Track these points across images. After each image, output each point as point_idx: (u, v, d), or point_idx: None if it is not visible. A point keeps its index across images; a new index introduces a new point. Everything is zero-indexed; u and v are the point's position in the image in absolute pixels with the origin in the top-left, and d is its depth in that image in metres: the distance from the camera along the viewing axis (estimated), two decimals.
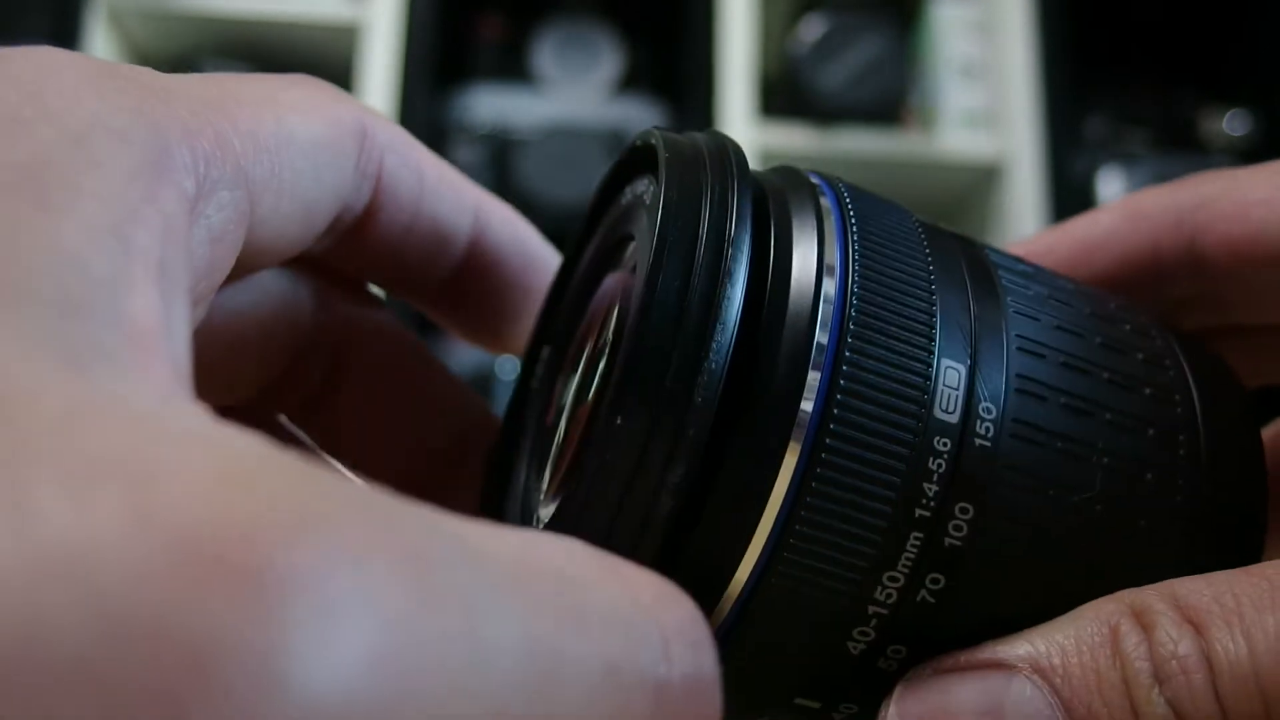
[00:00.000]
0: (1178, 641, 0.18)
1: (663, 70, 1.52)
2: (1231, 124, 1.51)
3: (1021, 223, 1.37)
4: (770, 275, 0.20)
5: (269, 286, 0.25)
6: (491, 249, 0.27)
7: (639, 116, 1.45)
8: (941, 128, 1.43)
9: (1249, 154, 1.49)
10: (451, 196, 0.25)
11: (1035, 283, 0.23)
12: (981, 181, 1.46)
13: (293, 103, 0.21)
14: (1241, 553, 0.22)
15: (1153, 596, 0.19)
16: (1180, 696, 0.18)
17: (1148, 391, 0.22)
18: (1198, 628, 0.18)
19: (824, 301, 0.20)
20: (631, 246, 0.24)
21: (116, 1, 1.38)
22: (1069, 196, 1.38)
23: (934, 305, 0.20)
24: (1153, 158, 1.47)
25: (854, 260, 0.20)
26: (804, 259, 0.20)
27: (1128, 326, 0.23)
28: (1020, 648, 0.19)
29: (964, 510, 0.20)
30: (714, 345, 0.19)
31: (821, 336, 0.19)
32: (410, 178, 0.24)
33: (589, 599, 0.14)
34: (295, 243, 0.22)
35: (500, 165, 1.40)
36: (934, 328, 0.20)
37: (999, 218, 1.43)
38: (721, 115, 1.37)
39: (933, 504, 0.19)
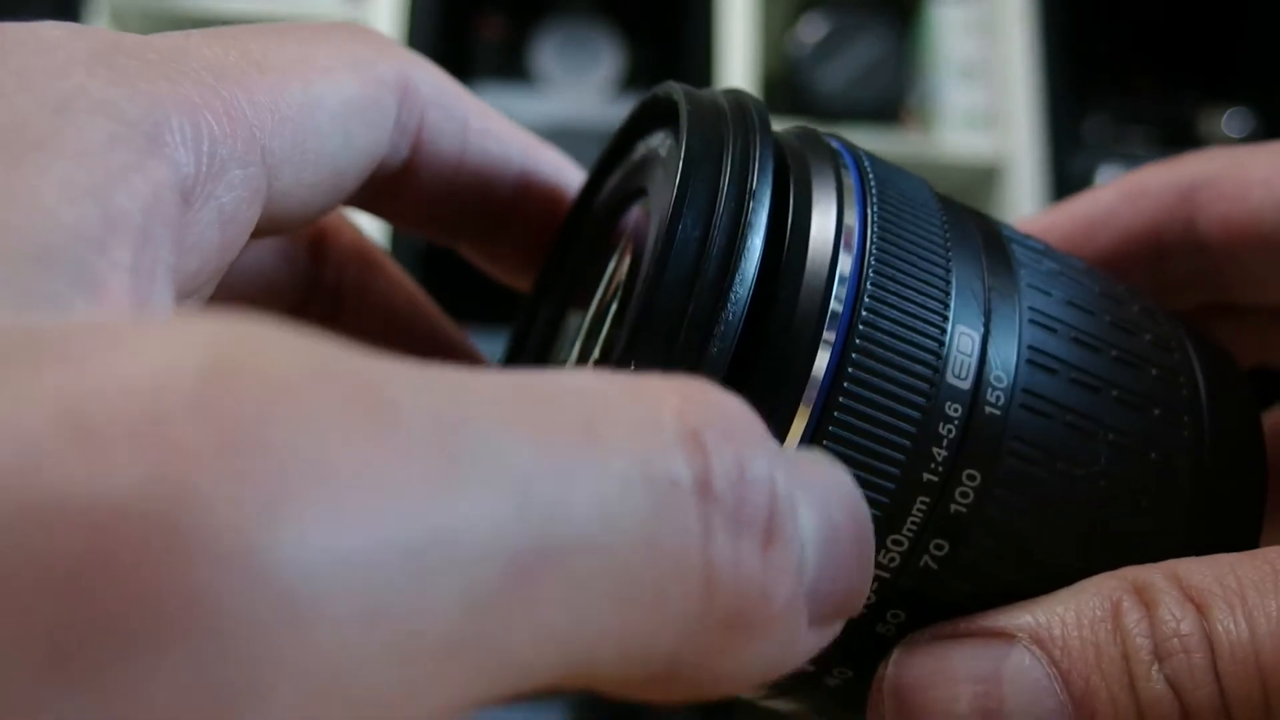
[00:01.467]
0: (1180, 620, 0.18)
1: (663, 70, 1.52)
2: (1231, 124, 1.51)
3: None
4: (789, 234, 0.20)
5: (264, 253, 0.24)
6: (538, 195, 0.26)
7: None
8: (941, 128, 1.43)
9: None
10: (496, 146, 0.25)
11: (1048, 259, 0.23)
12: (981, 181, 1.46)
13: (326, 63, 0.20)
14: (1240, 535, 0.22)
15: (1156, 575, 0.19)
16: (1180, 674, 0.18)
17: (1154, 372, 0.22)
18: (1200, 608, 0.18)
19: (841, 264, 0.20)
20: (642, 200, 0.24)
21: (117, 1, 1.38)
22: (1069, 196, 1.37)
23: (950, 273, 0.20)
24: (1153, 157, 1.46)
25: (872, 224, 0.20)
26: (823, 219, 0.20)
27: (1136, 308, 0.23)
28: (1021, 618, 0.19)
29: (971, 478, 0.19)
30: (731, 297, 0.19)
31: (837, 300, 0.19)
32: (454, 129, 0.23)
33: (595, 411, 0.13)
34: (321, 208, 0.21)
35: None
36: (949, 294, 0.20)
37: (999, 218, 1.42)
38: None
39: (941, 469, 0.19)
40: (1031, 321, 0.21)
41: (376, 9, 1.37)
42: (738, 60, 1.38)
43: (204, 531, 0.10)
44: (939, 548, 0.20)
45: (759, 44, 1.43)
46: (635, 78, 1.51)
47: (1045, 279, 0.22)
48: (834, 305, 0.19)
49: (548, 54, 1.49)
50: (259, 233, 0.19)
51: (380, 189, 0.23)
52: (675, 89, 0.22)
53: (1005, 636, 0.19)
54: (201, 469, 0.10)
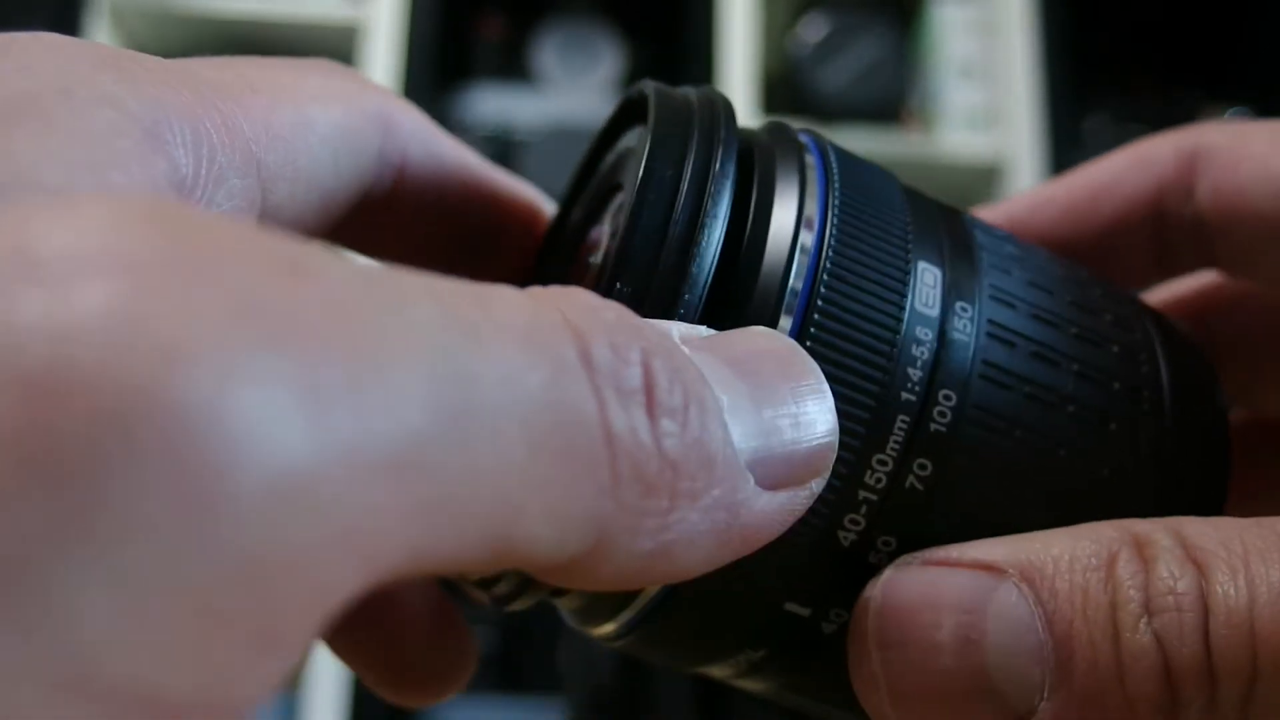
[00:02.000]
0: (1178, 578, 0.18)
1: (663, 70, 1.52)
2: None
3: None
4: (751, 213, 0.21)
5: None
6: (517, 236, 0.27)
7: None
8: (942, 128, 1.43)
9: None
10: (475, 185, 0.26)
11: (1010, 244, 0.24)
12: (982, 181, 1.46)
13: (314, 90, 0.21)
14: (1205, 504, 0.22)
15: (1160, 530, 0.19)
16: (1168, 630, 0.18)
17: (1115, 349, 0.22)
18: (1200, 568, 0.18)
19: (802, 239, 0.20)
20: (617, 197, 0.24)
21: (117, 1, 1.38)
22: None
23: (909, 251, 0.21)
24: None
25: (833, 213, 0.21)
26: (785, 200, 0.21)
27: (1098, 292, 0.24)
28: (1014, 553, 0.19)
29: (947, 397, 0.20)
30: (691, 275, 0.19)
31: (798, 276, 0.20)
32: (434, 165, 0.24)
33: (489, 296, 0.14)
34: (311, 229, 0.22)
35: (501, 164, 1.39)
36: (909, 271, 0.21)
37: None
38: None
39: (917, 389, 0.20)
40: (992, 298, 0.22)
41: (376, 9, 1.37)
42: (738, 60, 1.38)
43: (160, 341, 0.10)
44: (923, 467, 0.20)
45: (759, 44, 1.43)
46: (635, 78, 1.50)
47: (1006, 261, 0.23)
48: (794, 282, 0.20)
49: (548, 54, 1.49)
50: None
51: (365, 220, 0.24)
52: (648, 86, 0.23)
53: (996, 570, 0.19)
54: (155, 293, 0.10)
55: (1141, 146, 0.28)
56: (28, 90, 0.15)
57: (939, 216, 0.23)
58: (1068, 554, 0.19)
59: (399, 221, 0.25)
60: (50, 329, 0.10)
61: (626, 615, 0.21)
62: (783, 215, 0.21)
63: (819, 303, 0.20)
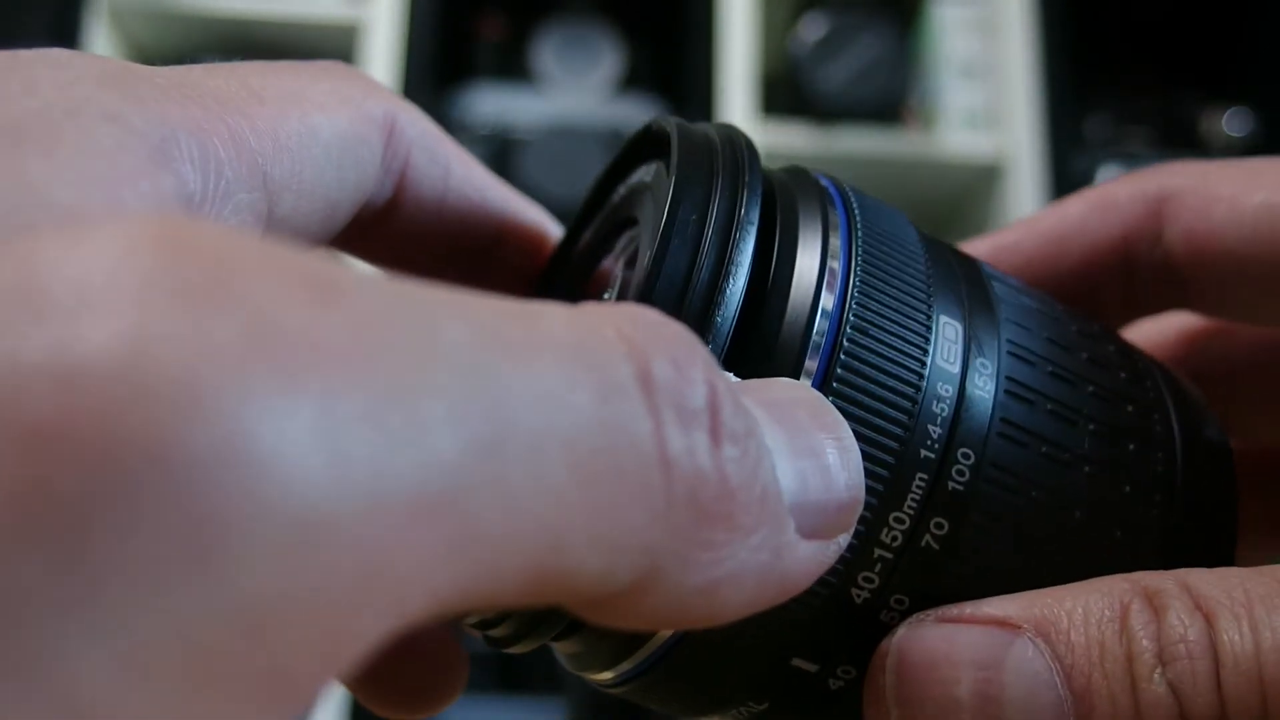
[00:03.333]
0: (1188, 627, 0.18)
1: (663, 70, 1.52)
2: (1232, 123, 1.51)
3: None
4: (774, 265, 0.20)
5: None
6: (517, 244, 0.26)
7: (639, 116, 1.44)
8: (942, 127, 1.43)
9: (1249, 153, 1.48)
10: (477, 195, 0.25)
11: (1026, 296, 0.23)
12: (982, 181, 1.46)
13: (320, 98, 0.20)
14: (1214, 563, 0.22)
15: (1168, 581, 0.19)
16: (1182, 679, 0.18)
17: (1130, 408, 0.22)
18: (1207, 617, 0.18)
19: (824, 300, 0.20)
20: (629, 232, 0.24)
21: (117, 1, 1.38)
22: (1070, 196, 1.37)
23: (931, 306, 0.21)
24: (1153, 157, 1.47)
25: (857, 257, 0.21)
26: (808, 252, 0.21)
27: (1112, 348, 0.24)
28: (1028, 608, 0.19)
29: (965, 456, 0.20)
30: (714, 324, 0.19)
31: (819, 333, 0.20)
32: (436, 173, 0.24)
33: (535, 313, 0.13)
34: (315, 238, 0.21)
35: (501, 164, 1.40)
36: (930, 327, 0.21)
37: (999, 217, 1.43)
38: (722, 115, 1.36)
39: (937, 446, 0.20)
40: (1010, 353, 0.21)
41: (376, 9, 1.37)
42: (738, 60, 1.38)
43: (169, 384, 0.10)
44: (939, 526, 0.20)
45: (759, 44, 1.43)
46: (635, 78, 1.51)
47: (1024, 315, 0.23)
48: (815, 338, 0.20)
49: (548, 54, 1.49)
50: None
51: (365, 228, 0.24)
52: (669, 122, 0.22)
53: (1011, 626, 0.19)
54: (163, 327, 0.10)
55: (1103, 191, 0.28)
56: (35, 110, 0.15)
57: (957, 265, 0.23)
58: (1081, 608, 0.19)
59: (400, 230, 0.24)
60: (54, 371, 0.10)
61: (630, 662, 0.21)
62: (806, 265, 0.20)
63: (842, 355, 0.19)
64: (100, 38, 1.37)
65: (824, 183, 0.23)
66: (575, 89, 1.47)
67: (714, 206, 0.20)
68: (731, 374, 0.18)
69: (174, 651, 0.10)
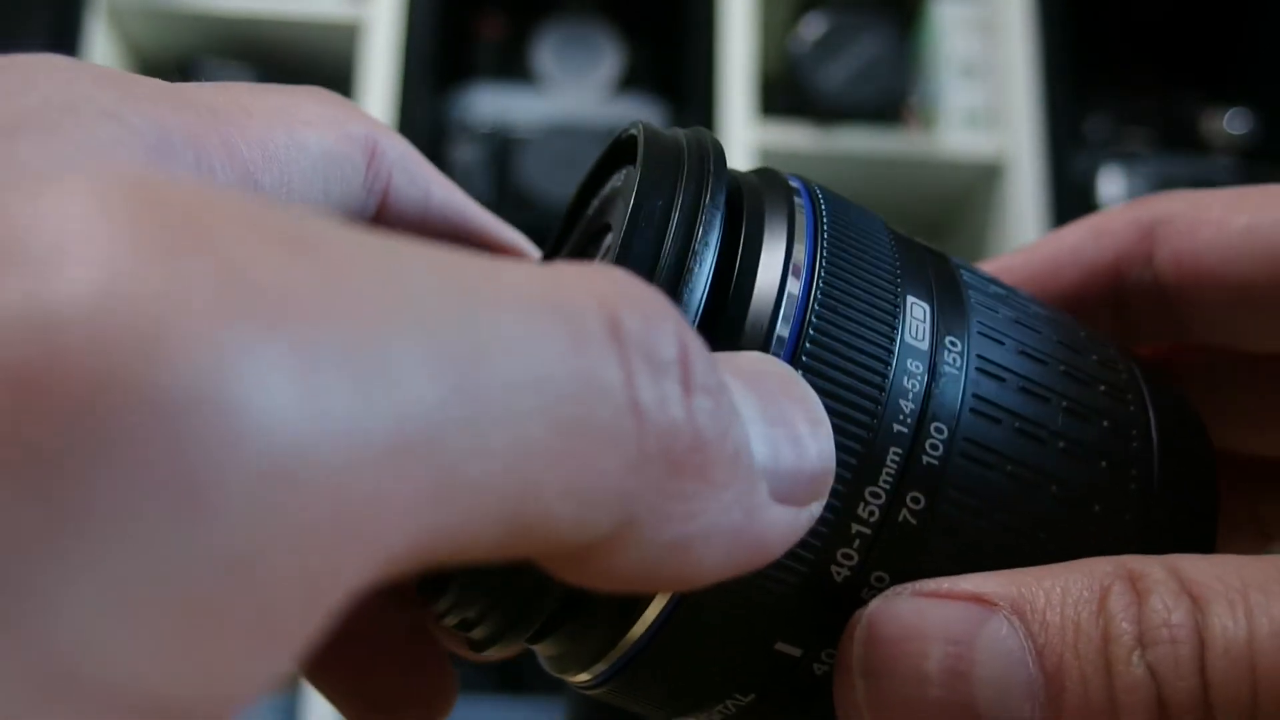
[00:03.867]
0: (1172, 610, 0.18)
1: (663, 70, 1.52)
2: (1232, 123, 1.51)
3: (1022, 222, 1.37)
4: (740, 251, 0.21)
5: None
6: None
7: (639, 116, 1.44)
8: (942, 127, 1.43)
9: (1249, 153, 1.49)
10: (458, 219, 0.25)
11: (995, 284, 0.24)
12: (982, 180, 1.46)
13: (305, 115, 0.21)
14: (1194, 547, 0.22)
15: (1155, 565, 0.19)
16: (1163, 663, 0.18)
17: (1102, 388, 0.22)
18: (1196, 601, 0.18)
19: (789, 286, 0.20)
20: (605, 239, 0.24)
21: (117, 1, 1.38)
22: (1069, 196, 1.38)
23: (899, 292, 0.21)
24: (1153, 157, 1.47)
25: (823, 246, 0.21)
26: (774, 239, 0.21)
27: (1083, 334, 0.24)
28: (1006, 586, 0.19)
29: (938, 430, 0.20)
30: (683, 304, 0.19)
31: (784, 321, 0.20)
32: (416, 195, 0.24)
33: (501, 268, 0.13)
34: None
35: (500, 164, 1.40)
36: (898, 312, 0.21)
37: (999, 217, 1.43)
38: (721, 115, 1.37)
39: (910, 421, 0.20)
40: (980, 334, 0.22)
41: (376, 9, 1.37)
42: (738, 60, 1.38)
43: (145, 331, 0.10)
44: (916, 500, 0.20)
45: (759, 43, 1.43)
46: (635, 77, 1.51)
47: (993, 300, 0.23)
48: (783, 318, 0.20)
49: (548, 53, 1.49)
50: None
51: None
52: (638, 127, 0.22)
53: (987, 603, 0.19)
54: (138, 276, 0.10)
55: (1098, 218, 0.28)
56: (33, 106, 0.15)
57: (926, 256, 0.23)
58: (1060, 587, 0.19)
59: None
60: (29, 317, 0.10)
61: (607, 661, 0.21)
62: (773, 246, 0.21)
63: (810, 332, 0.20)
64: (100, 38, 1.37)
65: (792, 181, 0.23)
66: (575, 89, 1.47)
67: (679, 194, 0.20)
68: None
69: (157, 593, 0.10)
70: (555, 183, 1.35)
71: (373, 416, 0.11)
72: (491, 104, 1.44)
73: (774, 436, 0.16)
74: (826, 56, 1.39)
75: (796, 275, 0.20)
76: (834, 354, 0.20)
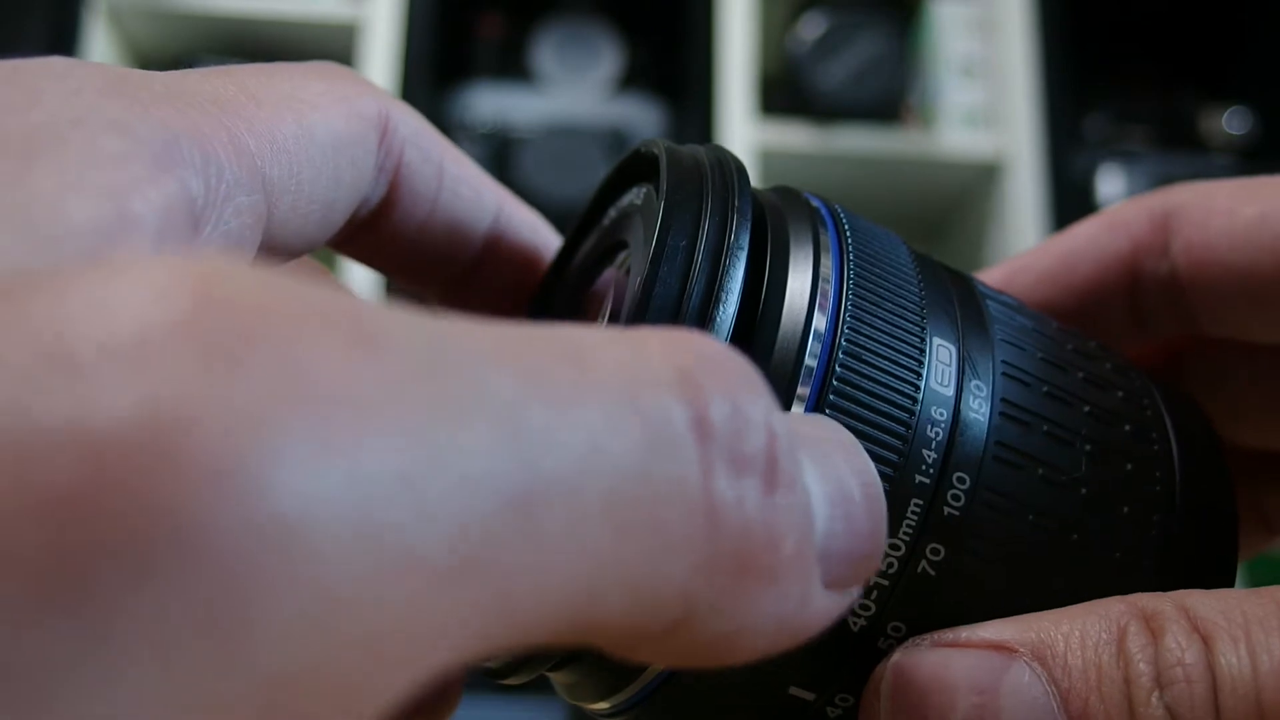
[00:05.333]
0: (1185, 650, 0.18)
1: (663, 69, 1.52)
2: (1231, 122, 1.51)
3: (1021, 221, 1.37)
4: (764, 293, 0.20)
5: None
6: (511, 252, 0.26)
7: (639, 115, 1.45)
8: (941, 126, 1.43)
9: (1249, 152, 1.49)
10: (471, 194, 0.25)
11: (1021, 315, 0.23)
12: (981, 180, 1.46)
13: (314, 98, 0.20)
14: (1215, 583, 0.22)
15: (1166, 603, 0.19)
16: (1180, 702, 0.18)
17: (1127, 427, 0.22)
18: (1205, 639, 0.18)
19: (816, 321, 0.20)
20: (621, 255, 0.24)
21: (116, 1, 1.38)
22: (1069, 195, 1.38)
23: (924, 328, 0.21)
24: (1153, 156, 1.47)
25: (849, 286, 0.20)
26: (799, 274, 0.20)
27: (1108, 366, 0.24)
28: (1024, 632, 0.19)
29: (961, 480, 0.20)
30: None
31: (812, 355, 0.20)
32: (430, 171, 0.24)
33: (583, 350, 0.13)
34: (313, 240, 0.22)
35: (500, 164, 1.40)
36: (923, 357, 0.20)
37: (999, 216, 1.43)
38: (721, 114, 1.37)
39: (932, 471, 0.20)
40: (1005, 375, 0.21)
41: (376, 8, 1.37)
42: (737, 59, 1.38)
43: (193, 453, 0.10)
44: (935, 552, 0.20)
45: (759, 43, 1.43)
46: (635, 76, 1.51)
47: (1018, 334, 0.22)
48: (808, 362, 0.19)
49: (547, 53, 1.48)
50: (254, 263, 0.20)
51: (361, 228, 0.24)
52: (658, 145, 0.22)
53: (1007, 650, 0.19)
54: (190, 391, 0.10)
55: (1114, 211, 0.28)
56: (41, 123, 0.15)
57: (950, 284, 0.23)
58: (1078, 630, 0.19)
59: (396, 230, 0.24)
60: (75, 436, 0.09)
61: (626, 693, 0.21)
62: (797, 288, 0.20)
63: (835, 382, 0.19)
64: (99, 37, 1.37)
65: (814, 203, 0.23)
66: (574, 88, 1.47)
67: (703, 231, 0.20)
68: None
69: (194, 715, 0.09)
70: (555, 182, 1.35)
71: (426, 540, 0.11)
72: (491, 103, 1.44)
73: (833, 516, 0.16)
74: (825, 56, 1.39)
75: (823, 313, 0.20)
76: (859, 404, 0.19)
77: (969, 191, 1.50)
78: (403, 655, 0.11)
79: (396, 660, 0.11)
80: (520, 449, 0.12)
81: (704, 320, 0.19)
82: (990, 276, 0.29)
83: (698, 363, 0.14)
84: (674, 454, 0.13)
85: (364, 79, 0.22)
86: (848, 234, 0.21)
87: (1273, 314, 0.25)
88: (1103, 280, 0.28)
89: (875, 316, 0.20)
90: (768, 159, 1.38)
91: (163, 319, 0.10)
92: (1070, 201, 1.36)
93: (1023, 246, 1.33)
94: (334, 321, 0.11)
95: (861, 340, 0.20)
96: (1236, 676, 0.18)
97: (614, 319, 0.23)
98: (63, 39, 1.32)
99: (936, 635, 0.20)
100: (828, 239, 0.21)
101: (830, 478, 0.16)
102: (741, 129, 1.35)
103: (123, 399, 0.10)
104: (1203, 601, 0.19)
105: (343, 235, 0.24)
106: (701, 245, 0.19)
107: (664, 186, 0.20)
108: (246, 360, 0.10)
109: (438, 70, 1.42)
